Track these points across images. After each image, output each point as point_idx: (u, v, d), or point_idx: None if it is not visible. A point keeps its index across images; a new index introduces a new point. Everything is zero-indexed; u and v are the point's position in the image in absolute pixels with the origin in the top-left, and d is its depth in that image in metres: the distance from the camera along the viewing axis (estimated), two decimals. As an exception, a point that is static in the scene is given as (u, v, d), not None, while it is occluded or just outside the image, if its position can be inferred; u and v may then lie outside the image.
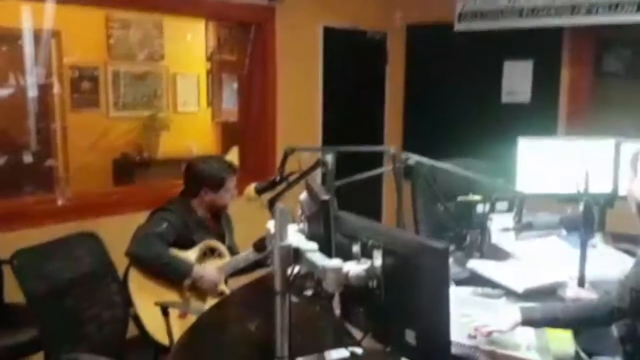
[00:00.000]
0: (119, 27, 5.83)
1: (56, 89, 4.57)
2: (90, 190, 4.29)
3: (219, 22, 5.78)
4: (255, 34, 4.47)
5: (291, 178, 2.64)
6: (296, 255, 1.61)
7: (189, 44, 6.38)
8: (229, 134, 6.29)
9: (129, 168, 5.78)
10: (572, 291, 2.34)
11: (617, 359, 2.12)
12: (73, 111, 5.40)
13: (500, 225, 2.69)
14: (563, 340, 1.97)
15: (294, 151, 2.75)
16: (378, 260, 1.55)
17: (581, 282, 2.40)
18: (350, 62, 5.02)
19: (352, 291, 1.59)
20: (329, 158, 2.47)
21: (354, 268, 1.53)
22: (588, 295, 2.31)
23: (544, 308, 2.02)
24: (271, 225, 1.84)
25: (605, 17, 4.03)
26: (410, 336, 1.51)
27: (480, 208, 2.72)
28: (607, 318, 1.99)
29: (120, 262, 2.77)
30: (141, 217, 3.05)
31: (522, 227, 2.50)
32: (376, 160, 4.40)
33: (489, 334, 1.90)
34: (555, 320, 1.96)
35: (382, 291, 1.55)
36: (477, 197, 2.74)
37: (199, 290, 2.87)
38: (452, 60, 4.98)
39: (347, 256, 1.62)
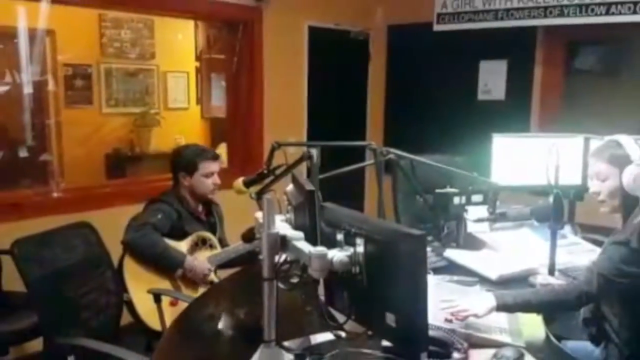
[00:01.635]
0: (111, 27, 5.92)
1: (51, 86, 4.65)
2: (84, 183, 4.39)
3: (208, 23, 5.89)
4: (242, 33, 4.57)
5: (278, 171, 2.72)
6: (283, 243, 1.72)
7: (179, 43, 6.48)
8: (217, 129, 6.40)
9: (120, 162, 5.88)
10: (542, 278, 2.46)
11: (585, 342, 2.28)
12: (67, 107, 5.50)
13: (475, 216, 2.84)
14: (534, 324, 2.08)
15: (280, 146, 2.88)
16: (360, 247, 1.62)
17: (551, 271, 2.52)
18: (334, 61, 5.14)
19: (336, 277, 1.66)
20: (314, 152, 2.60)
21: (338, 254, 1.59)
22: (557, 282, 2.42)
23: (516, 294, 2.10)
24: (259, 215, 1.96)
25: (576, 18, 4.19)
26: (390, 319, 1.59)
27: (456, 200, 2.86)
28: (576, 302, 2.09)
29: (113, 251, 2.83)
30: (132, 209, 3.13)
31: (496, 218, 2.63)
32: (358, 154, 4.54)
33: (465, 318, 1.99)
34: (527, 305, 2.05)
35: (364, 276, 1.62)
36: (454, 190, 2.89)
37: (190, 279, 2.94)
38: (431, 59, 5.13)
39: (331, 244, 1.68)
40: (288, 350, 1.90)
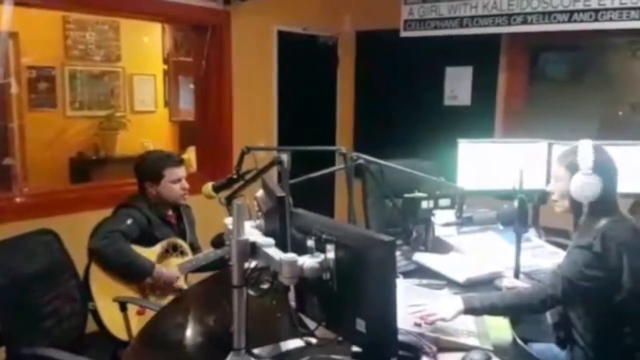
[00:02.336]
0: (75, 29, 5.83)
1: (14, 89, 4.55)
2: (47, 188, 4.30)
3: (175, 25, 5.86)
4: (210, 36, 4.54)
5: (248, 176, 2.71)
6: (253, 250, 1.71)
7: (146, 45, 6.41)
8: (185, 133, 6.40)
9: (85, 166, 5.79)
10: (508, 281, 2.50)
11: (551, 344, 2.33)
12: (31, 111, 5.41)
13: (443, 220, 2.89)
14: (501, 327, 2.12)
15: (250, 151, 2.88)
16: (331, 254, 1.63)
17: (516, 273, 2.56)
18: (303, 66, 5.16)
19: (307, 283, 1.67)
20: (285, 157, 2.60)
21: (309, 261, 1.60)
22: (522, 285, 2.46)
23: (483, 297, 2.13)
24: (229, 221, 1.96)
25: (538, 25, 4.28)
26: (360, 325, 1.60)
27: (425, 204, 2.91)
28: (541, 305, 2.12)
29: (77, 258, 2.77)
30: (97, 215, 3.07)
31: (463, 222, 2.68)
32: (328, 159, 4.55)
33: (433, 322, 2.02)
34: (493, 308, 2.09)
35: (335, 282, 1.63)
36: (422, 194, 2.93)
37: (159, 288, 2.90)
38: (399, 65, 5.18)
39: (302, 250, 1.69)
40: (258, 357, 1.90)
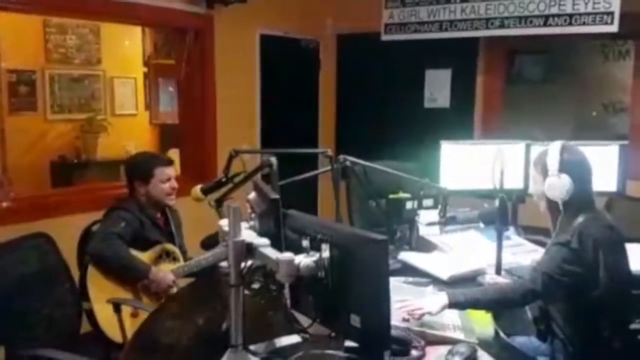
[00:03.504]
0: (56, 32, 5.82)
1: (-6, 93, 4.55)
2: (28, 192, 4.29)
3: (159, 29, 5.88)
4: (194, 40, 4.57)
5: (237, 179, 2.77)
6: (249, 250, 1.79)
7: (126, 48, 6.41)
8: (166, 135, 6.42)
9: (66, 170, 5.77)
10: (490, 278, 2.61)
11: (532, 337, 2.41)
12: (11, 114, 5.35)
13: (427, 220, 2.98)
14: (484, 321, 2.22)
15: (238, 153, 2.94)
16: (326, 253, 1.71)
17: (498, 270, 2.68)
18: (286, 68, 5.21)
19: (302, 281, 1.73)
20: (274, 160, 2.68)
21: (305, 260, 1.66)
22: (504, 281, 2.58)
23: (467, 292, 2.23)
24: (223, 223, 2.00)
25: (515, 29, 4.40)
26: (355, 320, 1.68)
27: (409, 205, 3.00)
28: (521, 299, 2.23)
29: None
30: (81, 218, 3.12)
31: (446, 221, 2.77)
32: (312, 160, 4.63)
33: (420, 316, 2.10)
34: (476, 302, 2.19)
35: (330, 280, 1.71)
36: (406, 195, 3.02)
37: (153, 291, 2.93)
38: (380, 67, 5.26)
39: (296, 250, 1.75)
40: (254, 354, 1.96)
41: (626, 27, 4.02)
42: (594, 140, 3.35)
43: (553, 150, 2.28)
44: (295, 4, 5.19)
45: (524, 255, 3.04)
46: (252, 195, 2.31)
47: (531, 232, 3.37)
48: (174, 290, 2.98)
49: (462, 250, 3.02)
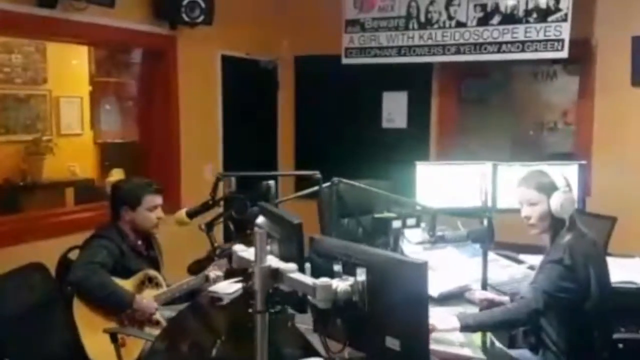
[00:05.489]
0: (1, 51, 5.61)
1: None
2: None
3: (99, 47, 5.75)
4: (153, 60, 4.55)
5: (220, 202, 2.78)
6: (275, 275, 1.85)
7: (72, 67, 6.24)
8: (108, 155, 6.33)
9: (12, 194, 5.52)
10: (479, 293, 2.71)
11: (524, 350, 2.54)
12: (-46, 137, 5.13)
13: (413, 239, 3.08)
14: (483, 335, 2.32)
15: (224, 177, 2.95)
16: (362, 277, 1.74)
17: (484, 285, 2.77)
18: (246, 90, 5.23)
19: (333, 305, 1.72)
20: (272, 183, 2.72)
21: (341, 284, 1.68)
22: (493, 297, 2.69)
23: (475, 315, 2.35)
24: (240, 248, 2.05)
25: (471, 55, 4.64)
26: (393, 344, 1.71)
27: (395, 224, 3.10)
28: (527, 319, 2.34)
29: None
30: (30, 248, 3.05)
31: (436, 240, 2.87)
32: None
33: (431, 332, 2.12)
34: (485, 325, 2.29)
35: (366, 304, 1.73)
36: (392, 214, 3.11)
37: (137, 319, 2.89)
38: (338, 89, 5.36)
39: (320, 273, 1.76)
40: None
41: (572, 52, 4.30)
42: (545, 161, 3.58)
43: (552, 169, 2.43)
44: (256, 26, 5.23)
45: (500, 270, 3.19)
46: (261, 219, 2.34)
47: (500, 248, 3.51)
48: (158, 317, 2.94)
49: (446, 268, 3.13)
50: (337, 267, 1.85)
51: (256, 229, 2.27)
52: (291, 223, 2.03)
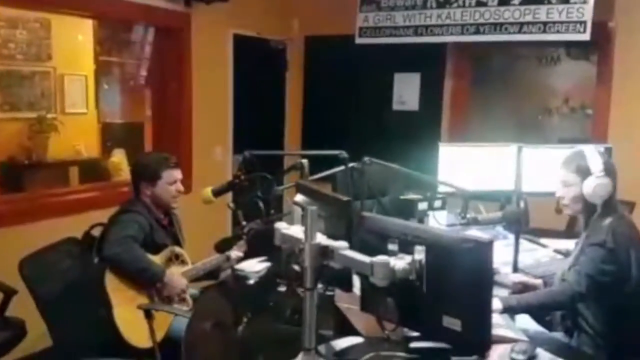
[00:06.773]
0: (5, 27, 5.47)
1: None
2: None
3: (104, 23, 5.63)
4: (167, 38, 4.47)
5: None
6: (326, 253, 1.80)
7: (78, 44, 6.11)
8: (110, 135, 6.28)
9: (17, 172, 5.43)
10: (514, 276, 2.69)
11: (559, 334, 2.52)
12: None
13: (442, 221, 3.04)
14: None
15: (252, 156, 2.91)
16: (420, 255, 1.71)
17: (515, 268, 2.77)
18: (256, 69, 5.17)
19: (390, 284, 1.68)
20: (305, 162, 2.68)
21: (399, 263, 1.64)
22: (528, 280, 2.67)
23: (519, 297, 2.33)
24: (282, 225, 2.01)
25: (491, 35, 4.56)
26: (449, 322, 1.69)
27: (421, 205, 3.06)
28: (570, 302, 2.33)
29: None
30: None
31: (469, 222, 2.83)
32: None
33: None
34: (528, 307, 2.30)
35: (424, 283, 1.71)
36: (418, 196, 3.08)
37: (165, 295, 2.88)
38: (348, 70, 5.29)
39: (372, 252, 1.69)
40: (325, 357, 1.95)
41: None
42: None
43: (591, 153, 2.39)
44: (268, 5, 5.16)
45: (526, 253, 3.15)
46: (299, 197, 2.29)
47: (524, 232, 3.47)
48: (186, 294, 2.94)
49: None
50: (391, 246, 1.81)
51: (305, 207, 2.23)
52: (340, 200, 1.99)
